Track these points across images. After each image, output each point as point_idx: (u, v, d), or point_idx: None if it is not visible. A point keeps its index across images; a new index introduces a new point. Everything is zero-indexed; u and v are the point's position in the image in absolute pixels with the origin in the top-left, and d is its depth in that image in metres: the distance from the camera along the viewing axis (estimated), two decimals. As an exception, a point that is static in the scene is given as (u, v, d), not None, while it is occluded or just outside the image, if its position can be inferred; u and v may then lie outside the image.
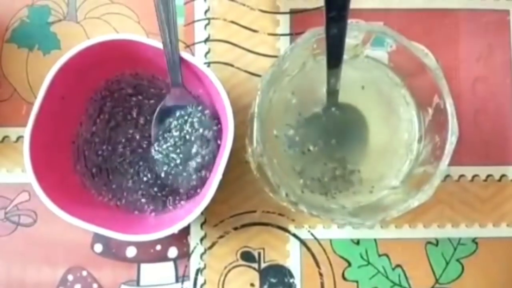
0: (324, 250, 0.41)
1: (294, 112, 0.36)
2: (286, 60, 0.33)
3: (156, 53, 0.37)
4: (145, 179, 0.40)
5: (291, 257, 0.41)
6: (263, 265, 0.41)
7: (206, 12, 0.43)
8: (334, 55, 0.32)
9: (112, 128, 0.41)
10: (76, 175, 0.40)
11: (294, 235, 0.41)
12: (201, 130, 0.39)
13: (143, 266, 0.41)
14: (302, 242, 0.41)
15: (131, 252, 0.41)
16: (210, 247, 0.41)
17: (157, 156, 0.39)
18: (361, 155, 0.36)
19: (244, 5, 0.43)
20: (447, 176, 0.42)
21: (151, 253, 0.41)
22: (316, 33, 0.32)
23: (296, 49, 0.33)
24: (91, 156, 0.40)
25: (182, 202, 0.40)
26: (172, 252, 0.41)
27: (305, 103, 0.36)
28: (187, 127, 0.39)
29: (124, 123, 0.41)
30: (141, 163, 0.41)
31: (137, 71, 0.40)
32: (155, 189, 0.40)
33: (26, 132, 0.35)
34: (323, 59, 0.33)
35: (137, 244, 0.41)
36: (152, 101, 0.41)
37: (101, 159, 0.40)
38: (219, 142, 0.39)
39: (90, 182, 0.40)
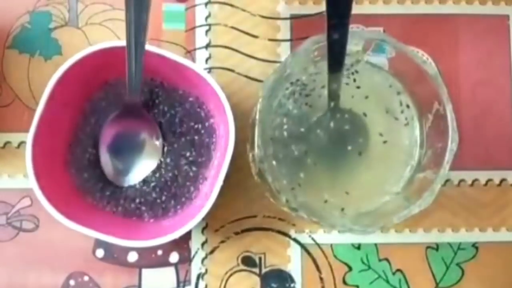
0: (325, 255, 0.42)
1: (295, 118, 0.36)
2: (287, 67, 0.33)
3: (156, 58, 0.37)
4: (137, 186, 0.40)
5: (292, 261, 0.41)
6: (264, 270, 0.41)
7: (207, 18, 0.43)
8: (335, 60, 0.32)
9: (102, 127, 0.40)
10: (72, 179, 0.40)
11: (295, 240, 0.42)
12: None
13: (145, 271, 0.41)
14: (303, 247, 0.42)
15: (132, 257, 0.41)
16: (211, 252, 0.41)
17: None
18: (362, 160, 0.37)
19: (244, 10, 0.43)
20: (447, 180, 0.42)
21: (152, 258, 0.41)
22: (317, 41, 0.32)
23: (297, 57, 0.33)
24: (82, 159, 0.40)
25: (185, 208, 0.40)
26: (174, 257, 0.41)
27: (306, 109, 0.36)
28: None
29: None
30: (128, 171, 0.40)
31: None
32: (154, 195, 0.40)
33: (28, 139, 0.35)
34: (323, 65, 0.33)
35: (138, 249, 0.41)
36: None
37: (88, 163, 0.40)
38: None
39: (83, 187, 0.40)
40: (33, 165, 0.36)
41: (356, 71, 0.36)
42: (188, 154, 0.40)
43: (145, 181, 0.40)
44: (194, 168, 0.40)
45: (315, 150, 0.35)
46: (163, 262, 0.41)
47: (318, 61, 0.35)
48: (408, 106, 0.36)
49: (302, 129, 0.35)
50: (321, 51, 0.33)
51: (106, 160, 0.40)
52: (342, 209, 0.35)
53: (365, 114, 0.36)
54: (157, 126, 0.40)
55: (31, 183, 0.35)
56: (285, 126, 0.35)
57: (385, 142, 0.36)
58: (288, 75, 0.35)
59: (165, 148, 0.40)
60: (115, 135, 0.40)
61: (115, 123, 0.40)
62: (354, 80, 0.36)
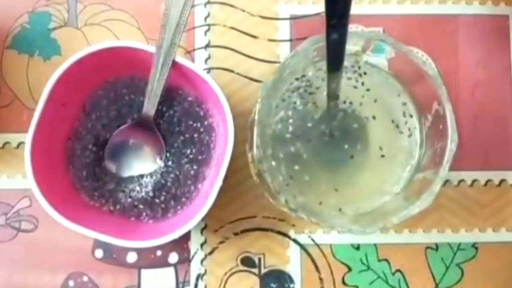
0: (324, 255, 0.41)
1: (298, 114, 0.36)
2: (286, 68, 0.33)
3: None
4: (137, 187, 0.40)
5: (291, 262, 0.41)
6: (263, 270, 0.41)
7: (206, 18, 0.43)
8: (335, 59, 0.32)
9: (104, 125, 0.40)
10: (71, 179, 0.40)
11: (294, 240, 0.42)
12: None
13: (144, 271, 0.41)
14: (302, 247, 0.41)
15: (131, 257, 0.41)
16: (211, 253, 0.41)
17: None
18: (355, 162, 0.36)
19: (244, 11, 0.43)
20: (447, 181, 0.42)
21: (151, 259, 0.41)
22: (316, 41, 0.32)
23: (296, 57, 0.33)
24: (82, 158, 0.40)
25: (184, 208, 0.40)
26: (173, 257, 0.41)
27: (306, 110, 0.36)
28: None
29: (115, 121, 0.40)
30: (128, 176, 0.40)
31: (134, 74, 0.40)
32: (151, 194, 0.39)
33: (27, 139, 0.35)
34: (323, 66, 0.33)
35: (137, 250, 0.41)
36: (143, 99, 0.40)
37: (89, 160, 0.40)
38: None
39: (82, 186, 0.40)
40: (32, 166, 0.35)
41: (365, 73, 0.36)
42: (188, 151, 0.40)
43: (145, 183, 0.40)
44: (195, 167, 0.40)
45: (312, 146, 0.35)
46: (163, 263, 0.41)
47: (318, 61, 0.35)
48: (411, 116, 0.36)
49: (306, 124, 0.35)
50: (321, 51, 0.33)
51: (109, 165, 0.40)
52: (340, 209, 0.35)
53: (374, 117, 0.36)
54: (163, 146, 0.40)
55: (30, 183, 0.35)
56: (290, 120, 0.35)
57: (384, 141, 0.36)
58: (288, 76, 0.35)
59: (167, 154, 0.40)
60: (123, 143, 0.40)
61: (125, 132, 0.40)
62: (363, 84, 0.36)
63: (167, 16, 0.35)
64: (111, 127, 0.40)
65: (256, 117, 0.32)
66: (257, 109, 0.33)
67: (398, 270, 0.42)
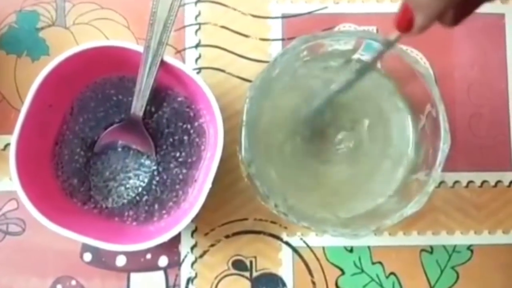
0: (317, 258, 0.41)
1: (287, 119, 0.35)
2: (276, 67, 0.32)
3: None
4: (123, 189, 0.40)
5: (284, 265, 0.41)
6: (255, 274, 0.41)
7: (196, 17, 0.42)
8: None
9: (92, 128, 0.40)
10: (58, 181, 0.39)
11: (287, 243, 0.41)
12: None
13: (133, 275, 0.40)
14: (295, 250, 0.41)
15: (121, 261, 0.40)
16: (201, 256, 0.41)
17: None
18: (354, 162, 0.36)
19: (235, 9, 0.43)
20: (442, 182, 0.42)
21: (141, 262, 0.40)
22: (306, 40, 0.31)
23: (286, 56, 0.32)
24: (69, 161, 0.39)
25: (171, 212, 0.39)
26: (163, 261, 0.40)
27: (299, 110, 0.36)
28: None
29: (103, 123, 0.40)
30: (115, 165, 0.40)
31: (123, 74, 0.40)
32: (136, 197, 0.39)
33: (12, 141, 0.35)
34: (313, 65, 0.33)
35: (127, 253, 0.40)
36: (131, 99, 0.40)
37: (76, 163, 0.39)
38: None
39: (69, 189, 0.39)
40: (17, 167, 0.35)
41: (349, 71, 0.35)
42: (177, 154, 0.39)
43: (133, 185, 0.39)
44: (184, 170, 0.39)
45: (303, 148, 0.35)
46: (152, 266, 0.40)
47: (308, 60, 0.34)
48: (400, 107, 0.35)
49: (297, 126, 0.34)
50: (310, 50, 0.32)
51: (96, 166, 0.40)
52: (332, 212, 0.34)
53: (366, 117, 0.35)
54: (152, 147, 0.39)
55: (15, 185, 0.35)
56: (280, 121, 0.34)
57: (376, 142, 0.35)
58: (278, 75, 0.34)
59: (157, 156, 0.39)
60: (111, 144, 0.40)
61: (113, 133, 0.39)
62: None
63: (155, 15, 0.35)
64: (99, 128, 0.40)
65: (244, 118, 0.32)
66: (245, 110, 0.32)
67: (392, 273, 0.41)
